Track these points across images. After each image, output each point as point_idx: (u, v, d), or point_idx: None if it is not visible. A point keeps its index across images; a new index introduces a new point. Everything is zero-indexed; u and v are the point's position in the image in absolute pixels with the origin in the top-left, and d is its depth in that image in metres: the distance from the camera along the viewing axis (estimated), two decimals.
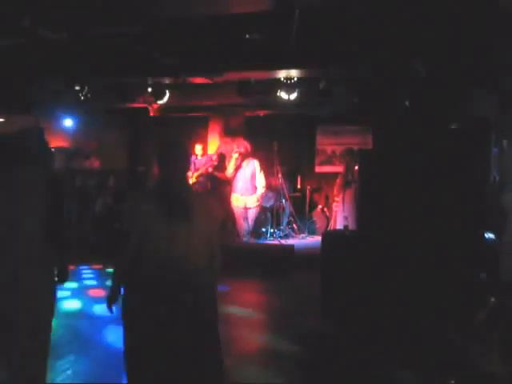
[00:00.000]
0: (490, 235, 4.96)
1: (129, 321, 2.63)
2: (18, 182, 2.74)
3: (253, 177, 8.99)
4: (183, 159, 2.74)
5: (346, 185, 8.32)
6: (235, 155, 9.05)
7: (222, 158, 9.88)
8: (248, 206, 8.95)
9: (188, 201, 2.62)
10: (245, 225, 8.93)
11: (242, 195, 8.98)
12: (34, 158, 2.81)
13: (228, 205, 9.34)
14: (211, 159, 9.92)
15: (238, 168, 9.07)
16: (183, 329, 2.57)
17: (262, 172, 9.06)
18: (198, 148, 9.91)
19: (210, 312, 2.70)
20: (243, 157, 9.08)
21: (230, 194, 9.35)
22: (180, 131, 10.48)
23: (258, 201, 9.03)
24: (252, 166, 9.02)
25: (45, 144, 2.96)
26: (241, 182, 9.02)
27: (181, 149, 2.76)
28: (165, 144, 2.76)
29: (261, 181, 9.03)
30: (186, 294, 2.56)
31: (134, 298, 2.61)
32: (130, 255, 2.60)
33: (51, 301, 2.82)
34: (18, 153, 2.78)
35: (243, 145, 9.11)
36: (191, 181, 9.67)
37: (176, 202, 2.60)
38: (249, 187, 8.95)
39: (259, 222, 9.49)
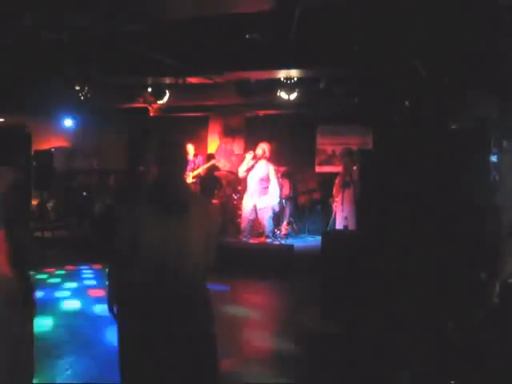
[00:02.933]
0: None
1: (122, 320, 2.63)
2: None
3: (264, 179, 8.61)
4: (181, 159, 2.74)
5: (344, 185, 8.31)
6: (249, 156, 8.63)
7: (212, 159, 9.87)
8: (259, 208, 8.61)
9: (185, 201, 2.61)
10: (248, 226, 8.78)
11: (251, 197, 8.67)
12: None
13: (228, 204, 9.33)
14: (205, 160, 9.91)
15: (249, 169, 8.66)
16: (177, 330, 2.54)
17: (276, 179, 8.71)
18: (191, 148, 9.87)
19: (204, 313, 2.66)
20: (258, 159, 8.59)
21: (230, 194, 9.34)
22: (180, 131, 10.48)
23: (268, 202, 8.69)
24: (265, 169, 8.59)
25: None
26: (251, 183, 8.66)
27: (179, 149, 2.76)
28: (163, 144, 2.76)
29: (275, 188, 8.66)
30: (181, 296, 2.56)
31: (128, 299, 2.60)
32: (121, 258, 2.62)
33: None
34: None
35: (262, 148, 8.73)
36: (188, 180, 9.68)
37: (173, 201, 2.59)
38: (258, 188, 8.60)
39: (276, 220, 9.28)
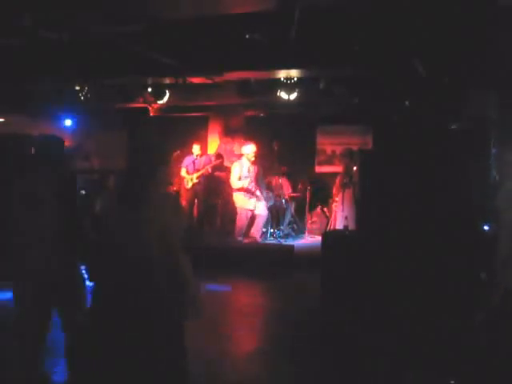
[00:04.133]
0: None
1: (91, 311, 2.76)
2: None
3: (261, 179, 8.87)
4: (146, 160, 2.78)
5: (344, 185, 8.32)
6: (246, 163, 8.71)
7: (221, 158, 9.88)
8: (258, 207, 8.71)
9: (143, 197, 2.68)
10: (245, 225, 8.80)
11: (250, 198, 8.71)
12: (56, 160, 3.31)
13: (228, 204, 9.34)
14: (210, 160, 9.91)
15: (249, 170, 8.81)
16: (130, 326, 2.59)
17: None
18: (196, 148, 9.90)
19: (159, 311, 2.67)
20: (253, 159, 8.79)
21: (230, 194, 9.34)
22: (180, 131, 10.48)
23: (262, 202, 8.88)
24: (256, 169, 8.87)
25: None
26: (251, 184, 8.76)
27: (145, 150, 2.83)
28: (131, 145, 2.87)
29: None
30: (135, 292, 2.61)
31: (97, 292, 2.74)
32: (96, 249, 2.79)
33: None
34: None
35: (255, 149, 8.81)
36: (192, 182, 9.67)
37: (129, 197, 2.69)
38: (257, 188, 8.80)
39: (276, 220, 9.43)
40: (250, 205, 8.65)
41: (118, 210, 2.70)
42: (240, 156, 9.19)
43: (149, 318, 2.60)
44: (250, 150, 8.63)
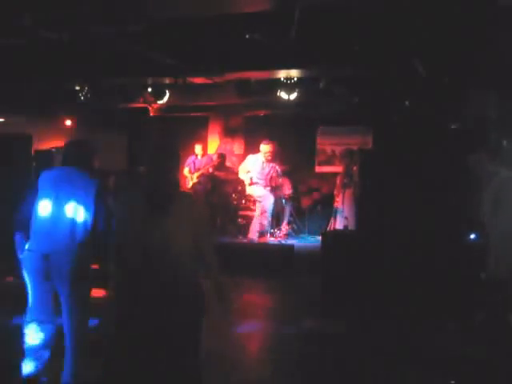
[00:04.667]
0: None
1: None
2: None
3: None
4: (167, 160, 2.83)
5: (344, 186, 8.32)
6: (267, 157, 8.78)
7: (222, 158, 9.89)
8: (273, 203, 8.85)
9: (170, 199, 2.71)
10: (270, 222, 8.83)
11: (270, 193, 8.84)
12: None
13: (228, 204, 9.34)
14: (211, 159, 9.93)
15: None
16: (159, 325, 2.62)
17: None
18: (199, 148, 9.93)
19: (188, 314, 2.71)
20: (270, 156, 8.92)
21: (231, 194, 9.35)
22: (180, 131, 10.48)
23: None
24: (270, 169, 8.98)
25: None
26: (259, 180, 8.89)
27: (168, 150, 2.88)
28: (153, 145, 2.92)
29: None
30: (161, 289, 2.64)
31: (119, 291, 2.78)
32: (116, 250, 2.79)
33: None
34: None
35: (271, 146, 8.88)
36: (192, 181, 9.69)
37: (158, 200, 2.71)
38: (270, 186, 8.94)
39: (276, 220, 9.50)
40: (272, 199, 8.71)
41: (144, 210, 2.69)
42: (241, 155, 9.21)
43: (169, 314, 2.62)
44: (264, 148, 8.72)
